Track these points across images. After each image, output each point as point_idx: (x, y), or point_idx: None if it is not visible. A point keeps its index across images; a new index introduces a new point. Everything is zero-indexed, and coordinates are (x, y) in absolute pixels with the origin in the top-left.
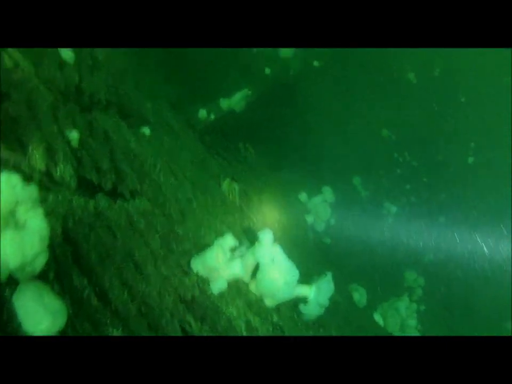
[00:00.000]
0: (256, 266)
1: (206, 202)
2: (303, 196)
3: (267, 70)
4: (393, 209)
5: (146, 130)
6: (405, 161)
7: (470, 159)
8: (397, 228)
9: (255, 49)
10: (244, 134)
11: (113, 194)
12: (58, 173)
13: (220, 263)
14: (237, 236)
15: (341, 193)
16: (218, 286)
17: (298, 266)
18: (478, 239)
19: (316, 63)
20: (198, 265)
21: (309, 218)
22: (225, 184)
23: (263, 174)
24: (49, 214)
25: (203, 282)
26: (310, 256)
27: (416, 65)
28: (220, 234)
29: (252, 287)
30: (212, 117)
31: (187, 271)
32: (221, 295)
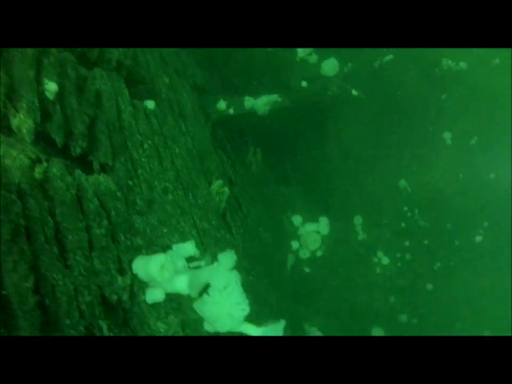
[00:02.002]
0: (207, 286)
1: (184, 198)
2: (297, 219)
3: (304, 83)
4: (385, 260)
5: (150, 104)
6: (412, 218)
7: (478, 238)
8: (381, 281)
9: (298, 58)
10: (258, 138)
11: (77, 163)
12: (16, 121)
13: (164, 274)
14: (203, 246)
15: (337, 228)
16: (154, 295)
17: (261, 294)
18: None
19: (354, 92)
20: (140, 267)
21: (295, 244)
22: (216, 185)
23: (263, 185)
24: None
25: (138, 287)
26: (280, 284)
27: (454, 127)
28: (184, 238)
29: (196, 306)
30: (231, 111)
31: (125, 270)
32: (155, 306)
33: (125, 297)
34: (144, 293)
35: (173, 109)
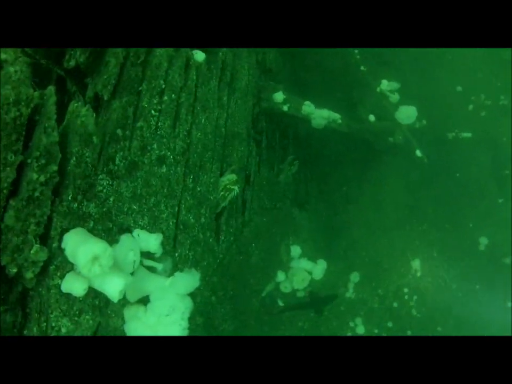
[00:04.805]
0: (147, 297)
1: (181, 178)
2: (296, 250)
3: (372, 117)
4: (360, 329)
5: (199, 56)
6: (408, 303)
7: None
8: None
9: (379, 89)
10: (299, 149)
11: (72, 80)
12: None
13: (92, 269)
14: (173, 244)
15: (331, 275)
16: (73, 285)
17: (215, 322)
18: None
19: (418, 153)
20: (72, 243)
21: (281, 275)
22: (228, 179)
23: (280, 199)
24: None
25: (59, 266)
26: (244, 312)
27: (494, 236)
28: (155, 227)
29: (127, 313)
30: (285, 108)
31: (50, 238)
32: (69, 297)
33: (29, 274)
34: (62, 276)
35: (224, 74)
